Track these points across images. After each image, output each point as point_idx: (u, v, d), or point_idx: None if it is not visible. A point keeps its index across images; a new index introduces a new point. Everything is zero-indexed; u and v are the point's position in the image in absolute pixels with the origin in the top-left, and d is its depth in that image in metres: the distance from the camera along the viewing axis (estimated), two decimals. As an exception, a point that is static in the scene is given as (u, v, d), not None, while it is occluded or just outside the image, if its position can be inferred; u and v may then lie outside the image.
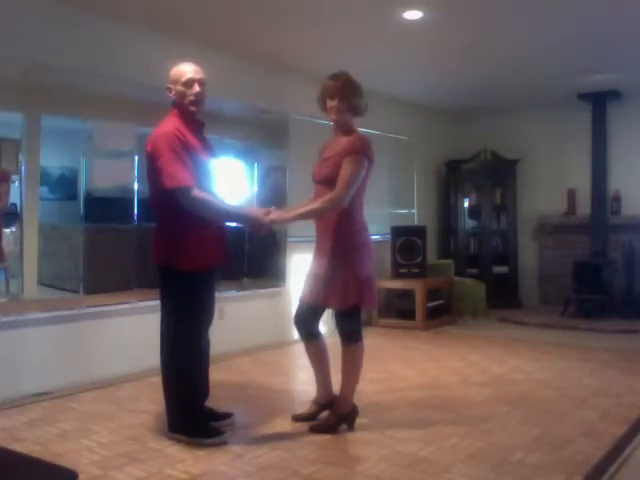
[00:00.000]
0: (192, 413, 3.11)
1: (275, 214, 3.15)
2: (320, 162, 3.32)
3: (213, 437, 3.07)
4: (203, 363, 3.25)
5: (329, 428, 3.24)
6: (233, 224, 3.52)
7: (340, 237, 3.18)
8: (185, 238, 3.02)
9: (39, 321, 4.05)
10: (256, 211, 3.24)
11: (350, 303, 3.18)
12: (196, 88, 3.10)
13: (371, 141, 3.26)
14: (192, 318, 3.09)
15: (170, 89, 3.13)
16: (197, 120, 3.18)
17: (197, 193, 2.93)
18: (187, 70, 3.11)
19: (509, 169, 7.89)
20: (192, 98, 3.09)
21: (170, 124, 3.04)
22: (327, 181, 3.18)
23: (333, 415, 3.28)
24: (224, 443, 3.05)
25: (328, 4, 4.31)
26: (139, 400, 3.83)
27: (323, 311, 3.35)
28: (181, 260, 3.03)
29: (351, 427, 3.28)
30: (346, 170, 3.10)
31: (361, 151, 3.15)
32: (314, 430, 3.25)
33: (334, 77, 3.25)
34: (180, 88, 3.09)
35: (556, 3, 4.28)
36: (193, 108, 3.11)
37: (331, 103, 3.23)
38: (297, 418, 3.42)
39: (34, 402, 3.76)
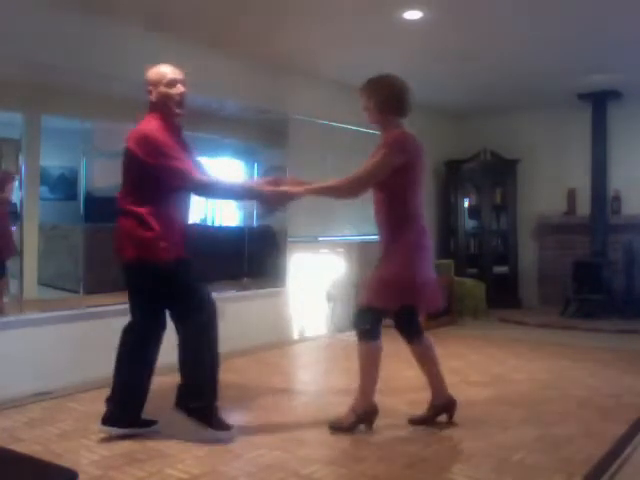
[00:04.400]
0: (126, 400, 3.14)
1: (289, 187, 3.18)
2: None
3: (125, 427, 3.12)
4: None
5: (346, 428, 3.18)
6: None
7: (393, 237, 3.28)
8: (155, 231, 3.00)
9: (39, 321, 4.05)
10: (266, 186, 3.20)
11: (367, 302, 3.21)
12: (180, 88, 3.10)
13: (413, 137, 3.21)
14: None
15: (150, 91, 3.11)
16: (177, 124, 3.17)
17: (205, 178, 3.01)
18: (168, 71, 3.11)
19: (509, 169, 7.89)
20: (177, 99, 3.09)
21: (152, 125, 3.04)
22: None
23: (351, 414, 3.21)
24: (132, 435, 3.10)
25: (328, 4, 4.30)
26: (139, 400, 3.83)
27: (383, 314, 3.30)
28: (153, 252, 3.00)
29: (369, 427, 3.22)
30: (373, 159, 3.13)
31: (391, 144, 3.13)
32: (332, 429, 3.20)
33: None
34: (163, 89, 3.08)
35: (556, 3, 4.28)
36: (178, 110, 3.11)
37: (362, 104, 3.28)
38: (413, 421, 3.35)
39: (34, 402, 3.76)
